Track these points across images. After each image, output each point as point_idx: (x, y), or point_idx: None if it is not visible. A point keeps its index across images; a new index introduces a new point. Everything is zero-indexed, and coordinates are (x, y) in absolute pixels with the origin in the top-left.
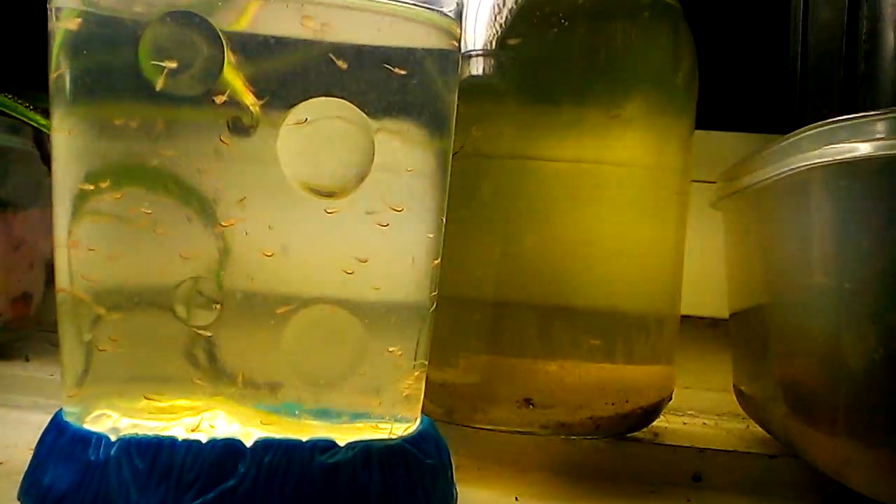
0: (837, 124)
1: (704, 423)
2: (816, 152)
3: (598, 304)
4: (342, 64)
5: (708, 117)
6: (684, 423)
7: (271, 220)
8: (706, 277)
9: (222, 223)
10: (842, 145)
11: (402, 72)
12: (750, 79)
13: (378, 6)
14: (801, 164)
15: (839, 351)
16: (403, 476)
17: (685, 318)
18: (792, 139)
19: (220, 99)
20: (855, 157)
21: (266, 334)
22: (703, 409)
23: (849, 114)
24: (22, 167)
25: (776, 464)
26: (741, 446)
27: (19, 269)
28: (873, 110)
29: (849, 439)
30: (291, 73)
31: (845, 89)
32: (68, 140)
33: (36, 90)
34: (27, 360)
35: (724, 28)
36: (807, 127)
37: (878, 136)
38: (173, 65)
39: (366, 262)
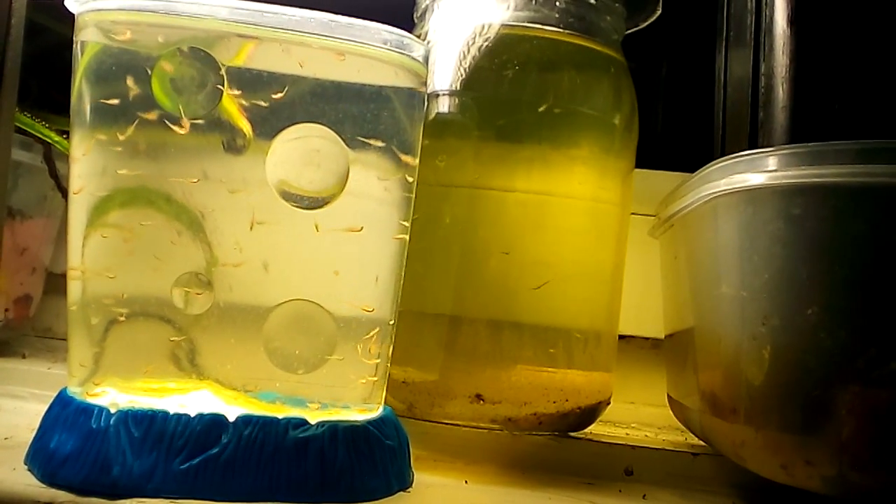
0: (738, 159)
1: (646, 436)
2: (722, 182)
3: (545, 319)
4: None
5: (649, 159)
6: (626, 434)
7: (253, 235)
8: (650, 302)
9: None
10: (741, 175)
11: (375, 105)
12: (684, 127)
13: (355, 48)
14: (710, 192)
15: (739, 350)
16: (366, 452)
17: (631, 338)
18: (704, 172)
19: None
20: (751, 186)
21: (247, 334)
22: (645, 423)
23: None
24: (30, 180)
25: (698, 461)
26: (669, 447)
27: (22, 273)
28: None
29: (744, 424)
30: (279, 102)
31: (751, 132)
32: (84, 158)
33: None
34: (24, 357)
35: (666, 86)
36: (715, 161)
37: (769, 168)
38: (182, 90)
39: (336, 273)
